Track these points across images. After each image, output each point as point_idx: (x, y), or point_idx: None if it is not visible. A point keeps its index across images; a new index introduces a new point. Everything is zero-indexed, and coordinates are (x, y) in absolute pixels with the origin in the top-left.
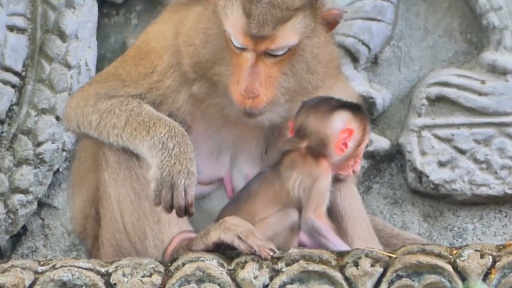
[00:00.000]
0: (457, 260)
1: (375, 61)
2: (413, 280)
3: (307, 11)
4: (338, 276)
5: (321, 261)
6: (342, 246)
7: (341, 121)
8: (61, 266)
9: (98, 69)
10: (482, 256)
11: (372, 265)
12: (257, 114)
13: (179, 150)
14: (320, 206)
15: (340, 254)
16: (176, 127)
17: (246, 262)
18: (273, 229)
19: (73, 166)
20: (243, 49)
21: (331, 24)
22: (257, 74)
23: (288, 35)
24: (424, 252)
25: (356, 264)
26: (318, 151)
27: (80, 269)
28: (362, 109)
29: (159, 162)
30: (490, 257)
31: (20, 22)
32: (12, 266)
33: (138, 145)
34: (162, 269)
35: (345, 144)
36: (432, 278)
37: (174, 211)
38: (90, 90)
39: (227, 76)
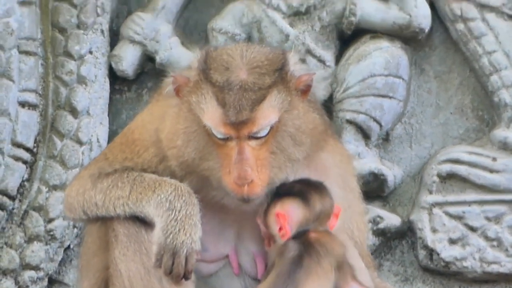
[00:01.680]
0: None
1: (386, 138)
2: None
3: (280, 86)
4: None
5: None
6: None
7: None
8: None
9: None
10: None
11: None
12: (255, 200)
13: (186, 212)
14: (354, 270)
15: None
16: (182, 186)
17: None
18: None
19: (80, 251)
20: (226, 139)
21: (305, 90)
22: (246, 160)
23: (267, 114)
24: None
25: None
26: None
27: None
28: None
29: (164, 225)
30: None
31: (31, 98)
32: None
33: (145, 206)
34: None
35: None
36: None
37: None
38: (84, 174)
39: (217, 169)
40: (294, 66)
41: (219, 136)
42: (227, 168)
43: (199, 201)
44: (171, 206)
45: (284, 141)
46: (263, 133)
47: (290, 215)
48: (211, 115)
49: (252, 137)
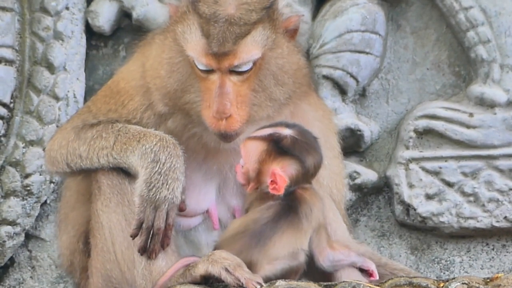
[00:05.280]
0: None
1: (363, 94)
2: None
3: (266, 23)
4: None
5: None
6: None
7: None
8: None
9: (86, 101)
10: None
11: None
12: (233, 136)
13: (170, 166)
14: (330, 236)
15: (327, 287)
16: (167, 137)
17: None
18: (281, 268)
19: (59, 205)
20: (208, 72)
21: (292, 32)
22: (227, 94)
23: (249, 49)
24: (411, 285)
25: None
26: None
27: None
28: None
29: (148, 177)
30: None
31: (8, 53)
32: None
33: (129, 156)
34: None
35: None
36: None
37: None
38: (67, 126)
39: (198, 103)
40: (283, 7)
41: (200, 67)
42: (207, 102)
43: (183, 153)
44: (155, 158)
45: (266, 79)
46: (244, 67)
47: (287, 177)
48: (195, 45)
49: (234, 71)
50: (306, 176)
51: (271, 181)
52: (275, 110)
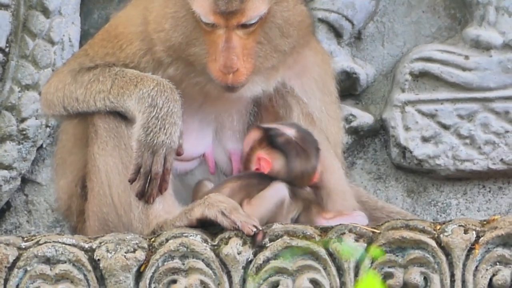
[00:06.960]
0: (441, 236)
1: (358, 37)
2: (397, 256)
3: None
4: (321, 251)
5: (305, 237)
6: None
7: None
8: (45, 242)
9: (82, 45)
10: (465, 232)
11: (356, 241)
12: (239, 88)
13: (167, 110)
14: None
15: (324, 230)
16: (164, 81)
17: (230, 237)
18: (267, 203)
19: (56, 150)
20: (214, 27)
21: None
22: (233, 48)
23: (257, 6)
24: (407, 227)
25: (339, 240)
26: None
27: (64, 245)
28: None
29: (145, 122)
30: (474, 232)
31: None
32: None
33: (126, 100)
34: (145, 244)
35: None
36: (416, 253)
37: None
38: (63, 70)
39: (203, 56)
40: None
41: (207, 22)
42: (213, 55)
43: (181, 98)
44: (153, 102)
45: (272, 32)
46: (251, 22)
47: (272, 164)
48: (201, 2)
49: (240, 26)
50: (290, 176)
51: (256, 168)
52: (279, 60)
